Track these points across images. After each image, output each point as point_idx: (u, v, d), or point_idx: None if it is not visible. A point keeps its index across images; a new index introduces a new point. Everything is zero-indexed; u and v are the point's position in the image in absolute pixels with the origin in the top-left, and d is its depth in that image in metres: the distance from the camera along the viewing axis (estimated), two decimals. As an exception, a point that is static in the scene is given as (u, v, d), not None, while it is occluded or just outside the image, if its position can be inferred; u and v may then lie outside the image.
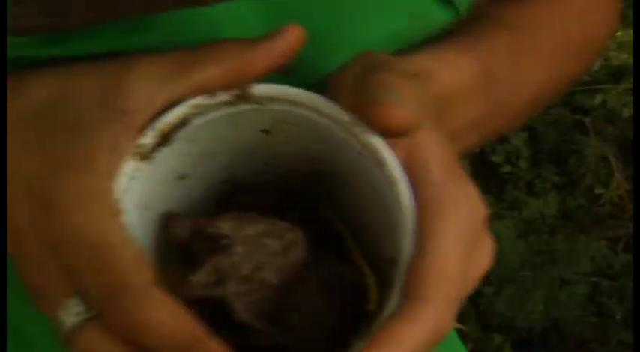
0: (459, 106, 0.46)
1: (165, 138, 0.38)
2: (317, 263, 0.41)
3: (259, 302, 0.39)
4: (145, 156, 0.38)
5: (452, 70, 0.46)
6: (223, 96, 0.38)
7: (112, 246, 0.36)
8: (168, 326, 0.35)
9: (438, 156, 0.38)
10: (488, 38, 0.50)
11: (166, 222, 0.41)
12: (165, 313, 0.35)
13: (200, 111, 0.38)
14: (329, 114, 0.38)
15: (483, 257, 0.39)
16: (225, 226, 0.39)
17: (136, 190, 0.38)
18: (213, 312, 0.40)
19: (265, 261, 0.39)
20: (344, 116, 0.38)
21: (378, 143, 0.38)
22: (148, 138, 0.38)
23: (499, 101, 0.50)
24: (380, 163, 0.38)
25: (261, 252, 0.39)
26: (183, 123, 0.38)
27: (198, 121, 0.38)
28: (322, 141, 0.40)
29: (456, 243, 0.36)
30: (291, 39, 0.39)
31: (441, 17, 0.49)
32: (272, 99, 0.38)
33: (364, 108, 0.37)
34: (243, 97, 0.38)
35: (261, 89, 0.38)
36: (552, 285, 1.86)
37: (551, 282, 1.87)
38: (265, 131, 0.40)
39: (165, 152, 0.39)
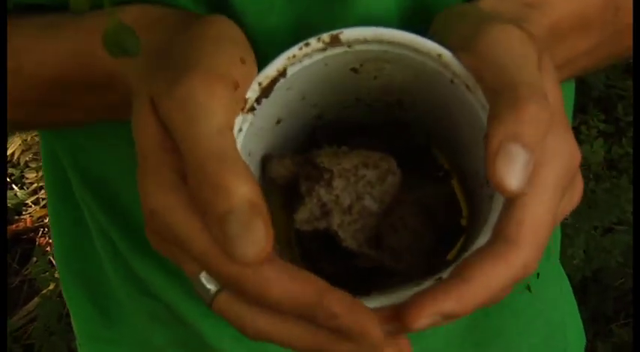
0: (574, 35, 0.47)
1: (265, 91, 0.40)
2: (410, 186, 0.43)
3: (362, 229, 0.42)
4: (250, 109, 0.40)
5: None
6: (316, 44, 0.40)
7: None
8: (287, 285, 0.35)
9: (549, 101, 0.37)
10: None
11: (266, 163, 0.43)
12: (284, 271, 0.36)
13: (295, 60, 0.40)
14: (420, 50, 0.40)
15: (572, 197, 0.40)
16: (324, 162, 0.42)
17: (242, 141, 0.40)
18: (318, 244, 0.43)
19: (364, 191, 0.42)
20: (435, 50, 0.40)
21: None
22: (252, 93, 0.40)
23: (617, 30, 0.50)
24: (471, 89, 0.39)
25: (359, 183, 0.42)
26: (281, 74, 0.40)
27: (293, 70, 0.40)
28: (412, 73, 0.41)
29: (553, 194, 0.36)
30: None
31: None
32: (362, 41, 0.40)
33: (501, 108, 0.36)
34: (335, 42, 0.40)
35: (351, 33, 0.40)
36: (594, 233, 1.83)
37: (594, 230, 1.83)
38: (354, 69, 0.42)
39: (266, 102, 0.41)
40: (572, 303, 0.78)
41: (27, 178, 2.18)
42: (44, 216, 2.14)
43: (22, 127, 0.56)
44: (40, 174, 2.14)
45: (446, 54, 0.39)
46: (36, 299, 1.93)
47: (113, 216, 0.64)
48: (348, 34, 0.40)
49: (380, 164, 0.42)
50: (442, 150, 0.47)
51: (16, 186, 2.20)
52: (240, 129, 0.40)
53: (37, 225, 2.14)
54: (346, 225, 0.42)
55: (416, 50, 0.40)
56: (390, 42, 0.40)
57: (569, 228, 1.79)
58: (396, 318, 0.35)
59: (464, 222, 0.45)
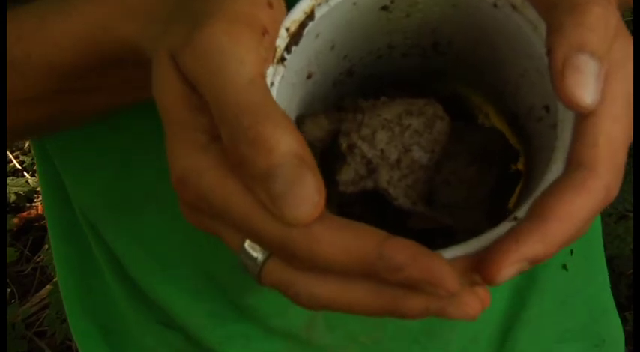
0: None
1: (294, 38, 0.36)
2: (458, 136, 0.40)
3: (414, 185, 0.38)
4: (280, 59, 0.36)
5: None
6: None
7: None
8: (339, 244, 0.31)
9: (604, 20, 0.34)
10: None
11: (299, 125, 0.39)
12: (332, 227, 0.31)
13: (322, 0, 0.37)
14: None
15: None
16: (361, 116, 0.38)
17: (276, 96, 0.36)
18: (367, 207, 0.39)
19: (412, 142, 0.38)
20: None
21: None
22: (280, 41, 0.36)
23: None
24: (518, 8, 0.36)
25: (405, 133, 0.38)
26: (309, 17, 0.36)
27: (321, 12, 0.37)
28: (449, 4, 0.38)
29: (626, 107, 0.33)
30: None
31: None
32: None
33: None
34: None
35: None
36: (608, 220, 1.82)
37: (607, 217, 1.82)
38: (385, 8, 0.38)
39: (295, 52, 0.37)
40: (610, 291, 0.74)
41: (38, 165, 2.18)
42: (56, 204, 2.14)
43: (38, 129, 0.52)
44: (52, 161, 2.14)
45: None
46: (48, 286, 1.94)
47: (127, 244, 0.61)
48: None
49: (425, 110, 0.39)
50: (487, 95, 0.44)
51: (28, 173, 2.20)
52: (272, 84, 0.36)
53: (48, 212, 2.14)
54: (396, 181, 0.38)
55: None
56: None
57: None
58: (475, 270, 0.32)
59: (520, 165, 0.41)
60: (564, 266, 0.66)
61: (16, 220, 2.09)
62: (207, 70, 0.32)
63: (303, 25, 0.37)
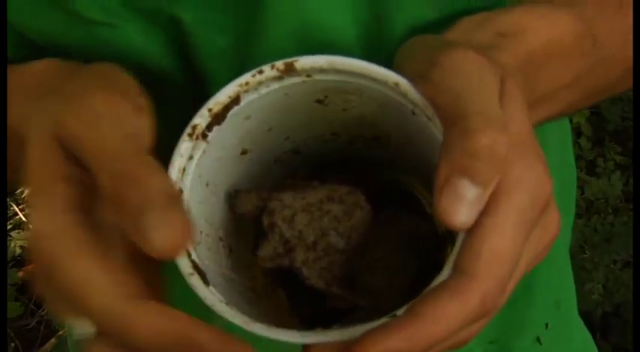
0: (553, 64, 0.45)
1: (218, 118, 0.39)
2: (389, 223, 0.41)
3: (329, 267, 0.40)
4: (200, 135, 0.39)
5: (549, 26, 0.45)
6: (270, 72, 0.38)
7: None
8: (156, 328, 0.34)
9: (511, 131, 0.36)
10: None
11: (231, 198, 0.42)
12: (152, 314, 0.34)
13: (249, 88, 0.39)
14: (377, 78, 0.38)
15: (547, 229, 0.37)
16: (286, 197, 0.40)
17: (195, 169, 0.39)
18: (291, 280, 0.41)
19: (329, 227, 0.40)
20: (392, 78, 0.38)
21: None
22: (201, 119, 0.39)
23: (599, 60, 0.47)
24: (432, 119, 0.37)
25: (324, 218, 0.40)
26: (234, 101, 0.39)
27: (249, 98, 0.39)
28: (376, 105, 0.40)
29: (515, 225, 0.34)
30: None
31: None
32: (319, 70, 0.38)
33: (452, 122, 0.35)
34: (290, 71, 0.38)
35: (306, 61, 0.38)
36: (614, 267, 1.81)
37: (613, 264, 1.81)
38: (319, 101, 0.40)
39: (220, 130, 0.39)
40: None
41: (44, 218, 2.18)
42: (61, 256, 2.14)
43: None
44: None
45: (403, 82, 0.37)
46: (52, 341, 1.93)
47: None
48: (303, 61, 0.38)
49: (346, 198, 0.41)
50: (425, 184, 0.45)
51: (33, 226, 2.20)
52: (191, 157, 0.39)
53: (53, 265, 2.14)
54: (311, 262, 0.40)
55: (373, 79, 0.38)
56: (345, 71, 0.38)
57: (588, 263, 1.78)
58: None
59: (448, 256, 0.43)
60: (538, 340, 0.66)
61: (20, 273, 2.09)
62: (91, 135, 0.35)
63: (227, 108, 0.39)
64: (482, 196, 0.33)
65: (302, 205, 0.40)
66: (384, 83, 0.38)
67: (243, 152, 0.42)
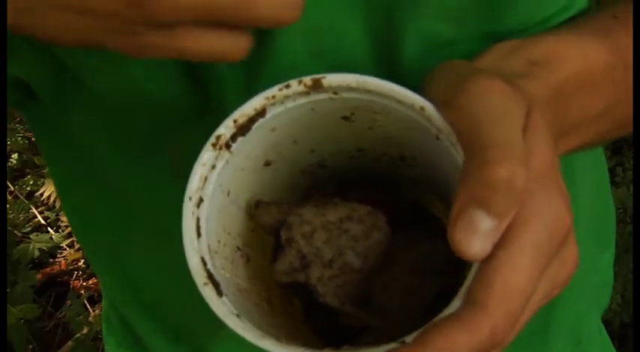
0: (584, 94, 0.45)
1: (242, 129, 0.39)
2: (409, 244, 0.41)
3: (344, 285, 0.40)
4: (224, 146, 0.39)
5: (582, 56, 0.45)
6: (297, 87, 0.39)
7: None
8: None
9: (532, 164, 0.35)
10: (623, 27, 0.48)
11: (252, 208, 0.42)
12: None
13: (276, 101, 0.39)
14: (403, 101, 0.38)
15: (565, 264, 0.37)
16: (307, 213, 0.40)
17: (217, 178, 0.40)
18: (306, 294, 0.41)
19: (347, 246, 0.40)
20: (418, 103, 0.37)
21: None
22: (226, 130, 0.39)
23: (630, 88, 0.47)
24: (455, 146, 0.37)
25: (342, 237, 0.40)
26: (259, 114, 0.39)
27: (275, 111, 0.39)
28: (402, 126, 0.40)
29: (531, 258, 0.34)
30: None
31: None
32: (346, 88, 0.38)
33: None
34: (317, 87, 0.38)
35: (334, 79, 0.38)
36: (632, 277, 1.80)
37: (631, 274, 1.80)
38: (346, 118, 0.41)
39: (244, 141, 0.39)
40: None
41: (62, 221, 2.19)
42: (79, 259, 2.15)
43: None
44: (75, 217, 2.15)
45: (428, 107, 0.37)
46: (70, 343, 1.94)
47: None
48: (331, 79, 0.38)
49: (366, 219, 0.41)
50: (448, 207, 0.46)
51: (52, 229, 2.22)
52: (214, 166, 0.39)
53: (71, 268, 2.15)
54: (326, 279, 0.40)
55: (399, 101, 0.38)
56: (373, 91, 0.38)
57: (607, 272, 1.77)
58: None
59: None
60: None
61: (39, 276, 2.10)
62: None
63: (252, 120, 0.39)
64: (497, 228, 0.33)
65: (321, 222, 0.40)
66: (410, 106, 0.38)
67: (267, 163, 0.43)
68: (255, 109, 0.39)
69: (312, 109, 0.40)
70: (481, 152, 0.34)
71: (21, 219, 2.24)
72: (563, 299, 0.59)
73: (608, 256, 0.71)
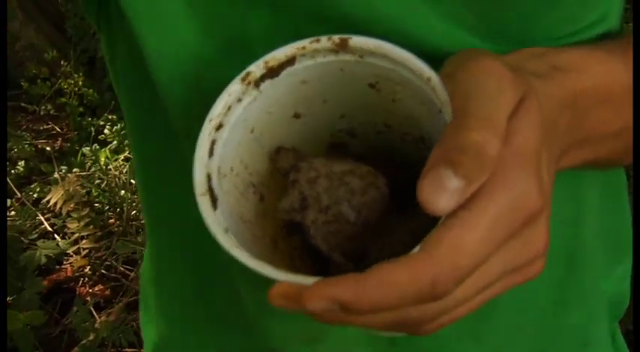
0: (603, 109, 0.46)
1: (272, 72, 0.41)
2: (411, 217, 0.42)
3: (335, 234, 0.42)
4: (253, 83, 0.41)
5: (604, 72, 0.46)
6: (326, 43, 0.41)
7: None
8: None
9: (513, 142, 0.37)
10: None
11: (274, 154, 0.44)
12: None
13: (306, 53, 0.41)
14: (413, 70, 0.39)
15: (529, 245, 0.37)
16: (317, 162, 0.42)
17: (242, 112, 0.42)
18: (304, 241, 0.43)
19: (344, 197, 0.42)
20: (426, 73, 0.39)
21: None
22: (256, 68, 0.41)
23: None
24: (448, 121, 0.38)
25: (341, 188, 0.42)
26: (289, 61, 0.41)
27: (305, 63, 0.41)
28: (417, 101, 0.41)
29: (488, 223, 0.35)
30: None
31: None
32: (369, 52, 0.40)
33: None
34: (344, 46, 0.40)
35: (359, 41, 0.40)
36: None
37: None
38: (372, 85, 0.42)
39: (274, 85, 0.41)
40: None
41: (68, 228, 2.21)
42: (84, 266, 2.16)
43: None
44: (82, 224, 2.17)
45: (434, 78, 0.38)
46: (76, 349, 1.95)
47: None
48: (356, 40, 0.40)
49: (366, 176, 0.42)
50: None
51: (58, 235, 2.23)
52: (240, 100, 0.41)
53: (77, 274, 2.16)
54: (320, 223, 0.42)
55: (410, 70, 0.39)
56: (389, 57, 0.40)
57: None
58: (298, 297, 0.35)
59: None
60: None
61: (45, 282, 2.11)
62: None
63: (282, 66, 0.41)
64: (463, 190, 0.34)
65: (326, 171, 0.42)
66: (419, 75, 0.39)
67: (296, 116, 0.44)
68: (286, 55, 0.41)
69: (341, 70, 0.41)
70: (462, 119, 0.36)
71: (27, 225, 2.25)
72: (572, 299, 0.61)
73: (623, 268, 0.71)
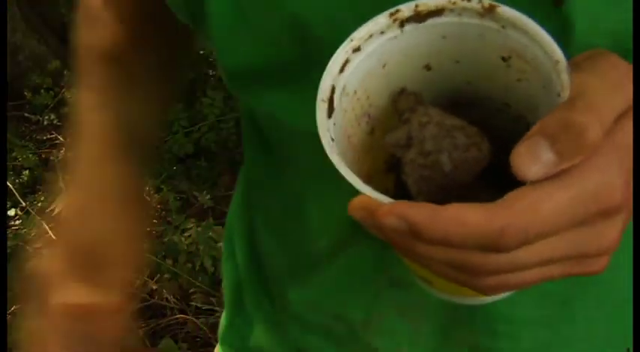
0: None
1: (419, 17, 0.42)
2: (499, 188, 0.42)
3: (427, 180, 0.43)
4: (399, 21, 0.42)
5: None
6: (475, 4, 0.41)
7: None
8: None
9: (616, 139, 0.37)
10: None
11: (398, 93, 0.45)
12: None
13: (455, 8, 0.42)
14: (546, 49, 0.40)
15: (595, 241, 0.38)
16: (433, 112, 0.43)
17: (380, 43, 0.43)
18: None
19: (446, 148, 0.43)
20: (557, 54, 0.39)
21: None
22: (406, 9, 0.42)
23: None
24: None
25: (447, 139, 0.43)
26: (438, 12, 0.42)
27: (450, 18, 0.42)
28: (541, 85, 0.41)
29: (567, 199, 0.36)
30: None
31: None
32: (512, 24, 0.41)
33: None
34: (491, 12, 0.41)
35: (506, 10, 0.41)
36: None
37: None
38: (504, 59, 0.43)
39: (417, 30, 0.43)
40: None
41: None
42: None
43: None
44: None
45: (562, 62, 0.39)
46: None
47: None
48: (504, 9, 0.41)
49: (473, 136, 0.43)
50: None
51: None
52: (382, 32, 0.42)
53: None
54: (416, 165, 0.43)
55: (544, 50, 0.40)
56: (529, 33, 0.40)
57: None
58: (375, 210, 0.37)
59: None
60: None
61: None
62: None
63: (429, 14, 0.42)
64: (555, 164, 0.35)
65: (438, 120, 0.43)
66: (550, 57, 0.40)
67: (427, 67, 0.45)
68: (436, 6, 0.42)
69: (480, 35, 0.42)
70: (574, 101, 0.37)
71: (32, 234, 2.26)
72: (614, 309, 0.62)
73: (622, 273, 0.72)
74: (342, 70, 0.42)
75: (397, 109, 0.45)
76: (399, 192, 0.46)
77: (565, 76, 0.38)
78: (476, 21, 0.42)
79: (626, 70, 0.38)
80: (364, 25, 0.42)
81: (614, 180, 0.36)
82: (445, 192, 0.43)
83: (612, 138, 0.37)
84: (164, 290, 2.11)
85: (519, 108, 0.45)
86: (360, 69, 0.43)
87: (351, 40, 0.42)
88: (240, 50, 0.55)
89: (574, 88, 0.38)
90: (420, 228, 0.35)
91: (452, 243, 0.36)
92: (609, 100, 0.37)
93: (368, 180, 0.43)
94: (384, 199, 0.38)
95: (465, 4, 0.41)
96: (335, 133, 0.41)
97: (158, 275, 2.14)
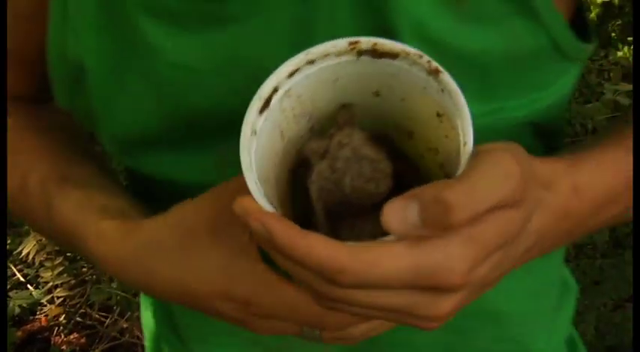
0: (607, 209, 0.53)
1: (375, 54, 0.44)
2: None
3: (329, 192, 0.46)
4: (358, 52, 0.44)
5: (612, 174, 0.53)
6: (425, 63, 0.44)
7: None
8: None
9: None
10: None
11: (341, 106, 0.48)
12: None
13: (407, 58, 0.44)
14: (463, 129, 0.43)
15: (427, 307, 0.42)
16: (357, 136, 0.46)
17: (328, 62, 0.45)
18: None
19: (351, 174, 0.46)
20: (468, 138, 0.42)
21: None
22: (364, 44, 0.44)
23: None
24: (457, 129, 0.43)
25: (355, 165, 0.46)
26: (392, 55, 0.44)
27: (402, 64, 0.44)
28: (456, 151, 0.44)
29: (462, 242, 0.40)
30: None
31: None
32: (449, 93, 0.43)
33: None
34: (436, 74, 0.44)
35: (447, 79, 0.43)
36: (604, 309, 1.83)
37: (603, 306, 1.83)
38: (439, 115, 0.45)
39: (372, 64, 0.45)
40: None
41: (42, 278, 2.20)
42: (59, 315, 2.15)
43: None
44: (55, 272, 2.16)
45: (469, 146, 0.42)
46: (52, 399, 1.93)
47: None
48: (446, 77, 0.44)
49: (378, 172, 0.46)
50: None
51: (31, 285, 2.22)
52: (339, 55, 0.45)
53: (52, 323, 2.15)
54: (323, 176, 0.46)
55: (461, 125, 0.43)
56: (456, 104, 0.43)
57: (579, 305, 1.79)
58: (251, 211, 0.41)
59: None
60: None
61: (19, 333, 2.10)
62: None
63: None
64: (416, 228, 0.39)
65: (356, 146, 0.46)
66: (463, 134, 0.42)
67: (376, 94, 0.47)
68: (392, 50, 0.44)
69: (424, 88, 0.45)
70: (457, 179, 0.40)
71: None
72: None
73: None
74: (291, 75, 0.44)
75: (336, 120, 0.47)
76: (296, 202, 0.49)
77: (465, 158, 0.41)
78: (423, 75, 0.44)
79: (515, 170, 0.41)
80: (322, 44, 0.44)
81: (454, 264, 0.40)
82: (343, 207, 0.46)
83: (473, 227, 0.40)
84: (134, 329, 2.10)
85: (445, 157, 0.47)
86: (310, 78, 0.45)
87: (307, 53, 0.44)
88: (119, 118, 0.58)
89: (467, 168, 0.41)
90: (277, 242, 0.39)
91: (301, 264, 0.40)
92: (490, 190, 0.40)
93: (291, 167, 0.47)
94: (266, 206, 0.41)
95: (416, 58, 0.44)
96: (262, 127, 0.44)
97: (129, 313, 2.12)
